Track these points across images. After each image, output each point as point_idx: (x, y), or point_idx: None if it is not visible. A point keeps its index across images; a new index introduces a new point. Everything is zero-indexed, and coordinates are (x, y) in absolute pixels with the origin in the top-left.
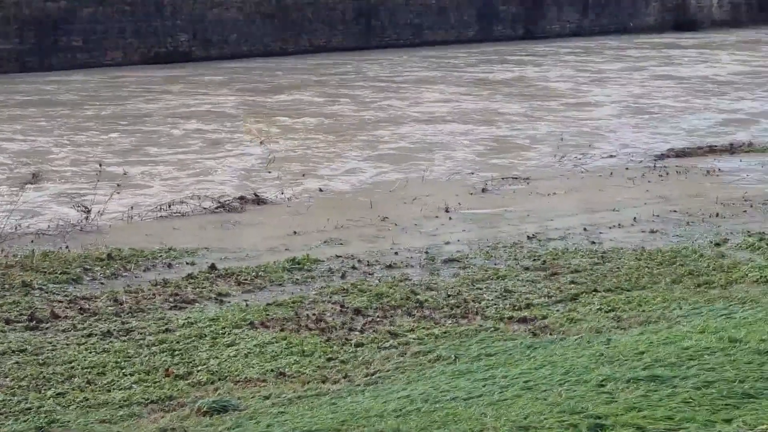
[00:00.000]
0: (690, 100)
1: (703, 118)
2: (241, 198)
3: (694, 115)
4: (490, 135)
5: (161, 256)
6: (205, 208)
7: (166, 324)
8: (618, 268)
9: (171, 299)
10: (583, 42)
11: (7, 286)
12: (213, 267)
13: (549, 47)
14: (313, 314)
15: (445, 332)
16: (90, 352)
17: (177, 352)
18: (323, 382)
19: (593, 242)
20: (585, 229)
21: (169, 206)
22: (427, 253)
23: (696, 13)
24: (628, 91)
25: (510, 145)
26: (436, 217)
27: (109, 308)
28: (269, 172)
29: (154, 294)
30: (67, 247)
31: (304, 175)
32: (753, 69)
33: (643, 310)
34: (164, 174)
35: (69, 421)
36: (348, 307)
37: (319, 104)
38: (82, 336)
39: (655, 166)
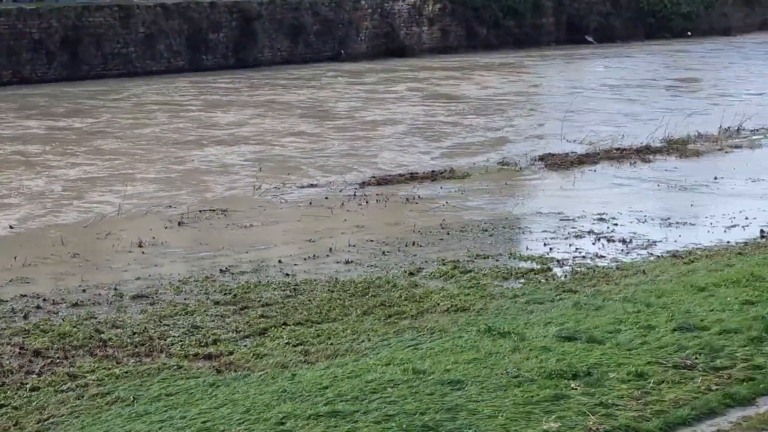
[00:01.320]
0: (462, 119)
1: (471, 137)
2: None
3: (467, 134)
4: (272, 156)
5: None
6: None
7: None
8: (310, 300)
9: None
10: (301, 69)
11: None
12: None
13: (315, 70)
14: None
15: (126, 372)
16: None
17: None
18: None
19: (287, 274)
20: (280, 261)
21: None
22: (116, 289)
23: (406, 39)
24: (415, 110)
25: (286, 167)
26: (129, 252)
27: None
28: None
29: None
30: None
31: None
32: (520, 90)
33: (332, 343)
34: None
35: None
36: (27, 349)
37: (123, 127)
38: None
39: (355, 195)
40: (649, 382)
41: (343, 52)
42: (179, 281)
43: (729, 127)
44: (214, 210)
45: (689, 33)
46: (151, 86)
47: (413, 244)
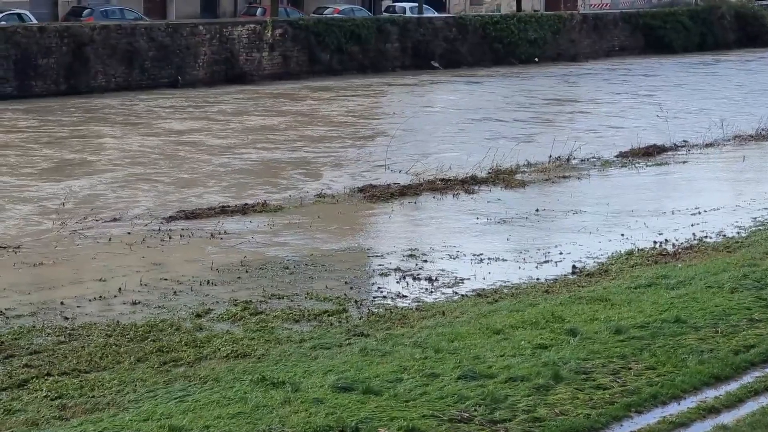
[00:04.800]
0: (293, 147)
1: (294, 166)
2: None
3: (294, 164)
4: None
5: None
6: None
7: None
8: (83, 347)
9: None
10: (135, 95)
11: None
12: None
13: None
14: None
15: None
16: None
17: None
18: None
19: (66, 318)
20: (62, 303)
21: None
22: None
23: (245, 65)
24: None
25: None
26: None
27: None
28: None
29: None
30: None
31: None
32: (353, 117)
33: (94, 396)
34: None
35: None
36: None
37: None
38: None
39: (159, 230)
40: None
41: (180, 78)
42: None
43: (559, 156)
44: (4, 247)
45: (537, 59)
46: None
47: (208, 282)
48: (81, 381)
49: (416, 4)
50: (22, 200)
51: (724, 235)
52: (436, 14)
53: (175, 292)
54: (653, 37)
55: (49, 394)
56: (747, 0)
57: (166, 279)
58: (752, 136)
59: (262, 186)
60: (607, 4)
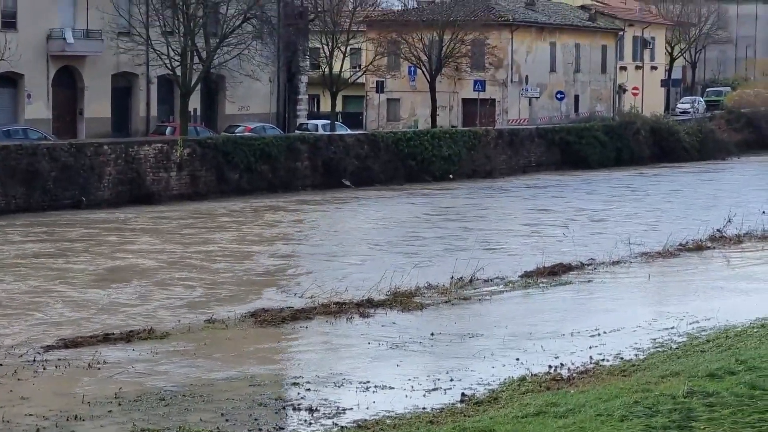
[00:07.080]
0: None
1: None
2: None
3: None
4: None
5: None
6: None
7: None
8: None
9: None
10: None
11: None
12: None
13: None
14: None
15: None
16: None
17: None
18: None
19: None
20: None
21: None
22: None
23: (153, 185)
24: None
25: None
26: None
27: None
28: None
29: None
30: None
31: None
32: (249, 239)
33: None
34: None
35: None
36: None
37: None
38: None
39: (35, 360)
40: None
41: (84, 199)
42: None
43: (462, 277)
44: None
45: (451, 176)
46: None
47: (76, 418)
48: None
49: (329, 122)
50: None
51: (622, 358)
52: (349, 131)
53: (38, 430)
54: (570, 152)
55: None
56: (661, 115)
57: (31, 415)
58: (659, 253)
59: (150, 310)
60: (525, 120)
